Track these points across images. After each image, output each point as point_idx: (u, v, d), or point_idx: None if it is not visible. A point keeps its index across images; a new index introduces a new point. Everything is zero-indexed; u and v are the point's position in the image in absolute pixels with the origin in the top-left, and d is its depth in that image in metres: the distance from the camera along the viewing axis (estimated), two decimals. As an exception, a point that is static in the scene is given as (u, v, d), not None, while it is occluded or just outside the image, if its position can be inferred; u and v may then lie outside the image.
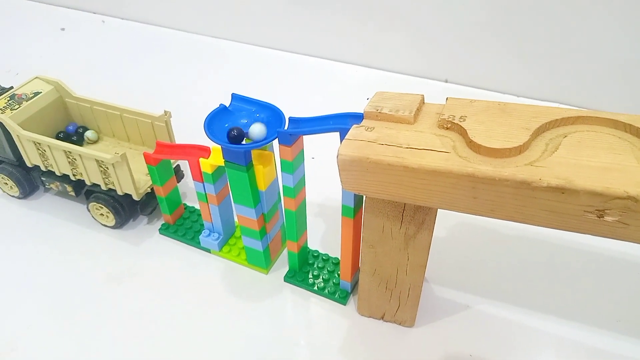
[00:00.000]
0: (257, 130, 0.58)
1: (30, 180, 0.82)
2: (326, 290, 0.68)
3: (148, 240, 0.77)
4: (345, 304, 0.67)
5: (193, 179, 0.68)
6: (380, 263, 0.58)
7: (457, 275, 0.70)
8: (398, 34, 1.10)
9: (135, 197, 0.73)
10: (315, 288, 0.68)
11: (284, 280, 0.70)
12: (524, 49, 1.01)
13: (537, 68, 1.02)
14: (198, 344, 0.64)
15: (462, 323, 0.65)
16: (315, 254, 0.72)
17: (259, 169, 0.61)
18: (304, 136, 0.59)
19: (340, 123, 0.55)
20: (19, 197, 0.83)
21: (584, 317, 0.65)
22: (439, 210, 0.51)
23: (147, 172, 0.74)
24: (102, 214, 0.77)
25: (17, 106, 0.77)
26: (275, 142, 0.59)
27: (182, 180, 0.84)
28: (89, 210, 0.78)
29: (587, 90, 1.01)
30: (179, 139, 0.79)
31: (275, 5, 1.17)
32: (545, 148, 0.46)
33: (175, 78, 1.14)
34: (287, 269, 0.71)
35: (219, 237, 0.72)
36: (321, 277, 0.69)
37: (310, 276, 0.69)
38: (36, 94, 0.80)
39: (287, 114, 0.59)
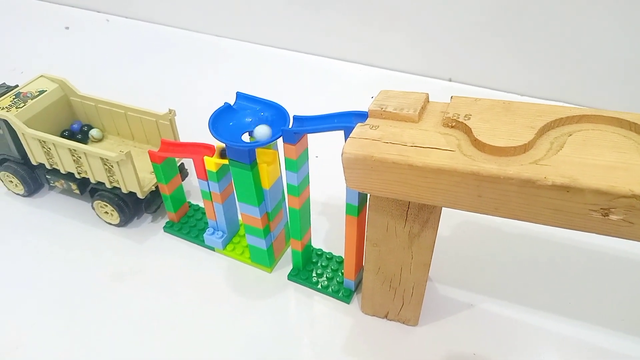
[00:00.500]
0: (262, 131, 0.59)
1: (35, 178, 0.82)
2: (330, 289, 0.68)
3: (152, 238, 0.77)
4: (348, 303, 0.67)
5: (197, 177, 0.68)
6: (384, 261, 0.59)
7: (461, 274, 0.70)
8: (402, 32, 1.10)
9: (140, 195, 0.73)
10: (319, 286, 0.68)
11: (288, 279, 0.70)
12: (528, 48, 1.01)
13: (541, 67, 1.02)
14: (202, 342, 0.64)
15: (465, 322, 0.65)
16: (319, 253, 0.72)
17: (263, 168, 0.61)
18: (308, 135, 0.59)
19: (345, 121, 0.55)
20: (23, 195, 0.84)
21: (588, 316, 0.65)
22: (443, 208, 0.51)
23: (152, 170, 0.74)
24: (106, 212, 0.77)
25: (22, 104, 0.77)
26: (280, 141, 0.59)
27: (187, 178, 0.84)
28: (93, 209, 0.78)
29: (590, 89, 1.00)
30: (183, 137, 0.79)
31: (279, 4, 1.18)
32: (550, 146, 0.46)
33: (180, 76, 1.14)
34: (290, 267, 0.71)
35: (223, 236, 0.73)
36: (325, 276, 0.69)
37: (314, 274, 0.70)
38: (41, 92, 0.80)
39: (291, 112, 0.59)
